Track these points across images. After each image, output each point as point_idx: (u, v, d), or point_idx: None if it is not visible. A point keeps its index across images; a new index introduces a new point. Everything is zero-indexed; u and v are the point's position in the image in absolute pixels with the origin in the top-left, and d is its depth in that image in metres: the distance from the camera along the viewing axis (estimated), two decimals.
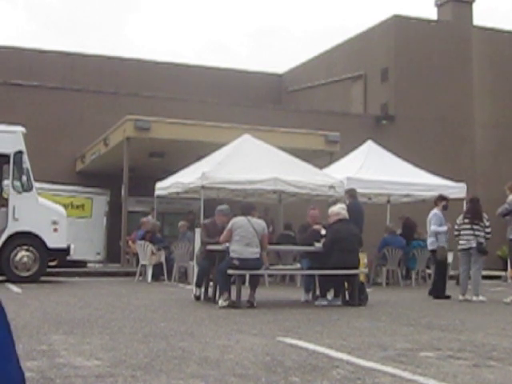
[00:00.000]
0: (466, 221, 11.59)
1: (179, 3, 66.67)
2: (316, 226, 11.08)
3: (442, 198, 12.72)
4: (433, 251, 12.31)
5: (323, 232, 10.74)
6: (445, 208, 12.47)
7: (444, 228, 12.20)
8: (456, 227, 11.81)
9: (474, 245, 11.42)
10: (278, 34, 64.67)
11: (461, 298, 11.42)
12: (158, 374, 4.42)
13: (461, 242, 11.66)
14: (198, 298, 10.54)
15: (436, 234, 12.15)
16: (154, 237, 16.32)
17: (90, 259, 20.30)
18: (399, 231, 16.74)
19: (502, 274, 19.33)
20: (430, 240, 12.33)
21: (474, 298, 11.28)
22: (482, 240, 11.46)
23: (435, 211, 12.38)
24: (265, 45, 64.00)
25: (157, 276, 15.61)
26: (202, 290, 10.59)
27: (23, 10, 64.67)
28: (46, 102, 23.21)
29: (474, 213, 11.60)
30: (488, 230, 11.59)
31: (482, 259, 11.73)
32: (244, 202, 14.15)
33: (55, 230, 14.13)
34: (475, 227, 11.49)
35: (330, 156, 20.09)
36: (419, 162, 18.86)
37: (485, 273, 12.10)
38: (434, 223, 12.13)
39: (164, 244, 16.34)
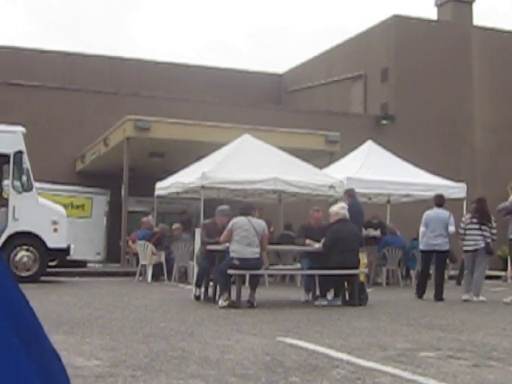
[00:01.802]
0: (474, 221, 11.43)
1: (179, 3, 66.74)
2: (308, 242, 10.95)
3: (444, 197, 12.41)
4: (447, 252, 11.81)
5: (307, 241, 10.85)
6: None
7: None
8: (462, 226, 11.64)
9: (482, 245, 11.31)
10: (277, 33, 64.73)
11: (463, 297, 11.34)
12: (157, 374, 4.42)
13: (467, 242, 11.51)
14: (197, 298, 10.54)
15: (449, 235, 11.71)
16: (161, 240, 16.19)
17: (90, 259, 20.28)
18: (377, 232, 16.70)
19: (502, 273, 19.33)
20: (442, 240, 11.61)
21: (475, 299, 11.23)
22: (489, 240, 11.36)
23: (446, 211, 11.85)
24: (265, 45, 64.07)
25: (157, 276, 15.60)
26: (202, 289, 10.59)
27: (23, 8, 64.73)
28: (46, 102, 23.20)
29: (482, 213, 11.43)
30: (494, 230, 11.45)
31: (487, 260, 11.65)
32: (244, 202, 14.17)
33: (55, 230, 14.12)
34: (483, 227, 11.37)
35: (330, 156, 20.07)
36: (419, 162, 18.84)
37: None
38: (451, 224, 11.60)
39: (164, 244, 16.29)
